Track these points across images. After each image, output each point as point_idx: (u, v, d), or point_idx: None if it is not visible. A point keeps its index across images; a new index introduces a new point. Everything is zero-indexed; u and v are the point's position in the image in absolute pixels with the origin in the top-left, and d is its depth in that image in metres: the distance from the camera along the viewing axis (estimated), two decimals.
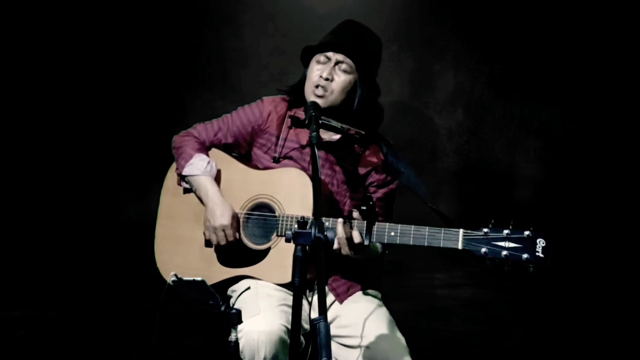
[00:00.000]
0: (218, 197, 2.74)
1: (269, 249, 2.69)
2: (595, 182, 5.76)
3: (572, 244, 5.34)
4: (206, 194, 2.75)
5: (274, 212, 2.71)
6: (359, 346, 2.61)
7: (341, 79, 2.72)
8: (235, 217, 2.72)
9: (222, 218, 2.70)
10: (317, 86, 2.71)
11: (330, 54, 2.73)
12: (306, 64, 2.81)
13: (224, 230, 2.70)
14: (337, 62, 2.73)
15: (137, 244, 3.13)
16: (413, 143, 5.99)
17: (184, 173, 2.79)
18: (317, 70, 2.73)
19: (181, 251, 2.81)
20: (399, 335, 2.64)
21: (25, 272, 5.26)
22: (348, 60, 2.73)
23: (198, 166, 2.77)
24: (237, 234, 2.72)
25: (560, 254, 4.90)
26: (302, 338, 2.60)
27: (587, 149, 5.83)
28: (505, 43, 5.87)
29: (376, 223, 2.54)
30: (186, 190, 2.85)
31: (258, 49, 5.89)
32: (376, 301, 2.75)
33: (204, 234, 2.77)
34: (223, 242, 2.71)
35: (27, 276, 5.19)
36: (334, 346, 2.61)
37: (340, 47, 2.72)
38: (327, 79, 2.70)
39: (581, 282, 5.22)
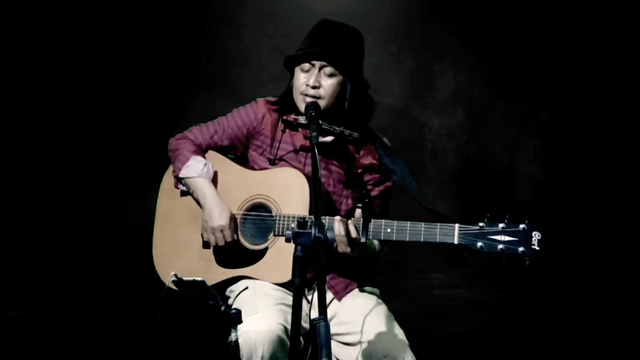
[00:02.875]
0: (216, 198, 2.74)
1: (266, 249, 2.70)
2: (595, 182, 5.76)
3: (573, 244, 5.34)
4: (204, 195, 2.75)
5: (270, 212, 2.71)
6: (359, 342, 2.61)
7: (328, 83, 2.72)
8: (233, 218, 2.72)
9: (220, 219, 2.70)
10: (306, 95, 2.72)
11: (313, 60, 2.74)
12: (290, 70, 2.81)
13: (222, 231, 2.70)
14: (322, 67, 2.72)
15: (137, 244, 3.13)
16: (413, 143, 5.99)
17: (180, 175, 2.79)
18: (303, 79, 2.73)
19: (179, 254, 2.81)
20: (399, 330, 2.65)
21: (25, 272, 5.26)
22: None
23: (195, 168, 2.78)
24: (234, 235, 2.73)
25: (561, 254, 4.91)
26: (300, 338, 2.60)
27: (587, 149, 5.83)
28: (505, 43, 5.87)
29: (372, 220, 2.55)
30: (183, 193, 2.85)
31: (258, 49, 5.89)
32: (375, 297, 2.75)
33: (202, 235, 2.77)
34: (221, 243, 2.72)
35: (27, 276, 5.19)
36: (333, 344, 2.61)
37: (320, 55, 2.71)
38: (314, 87, 2.70)
39: (582, 282, 5.22)
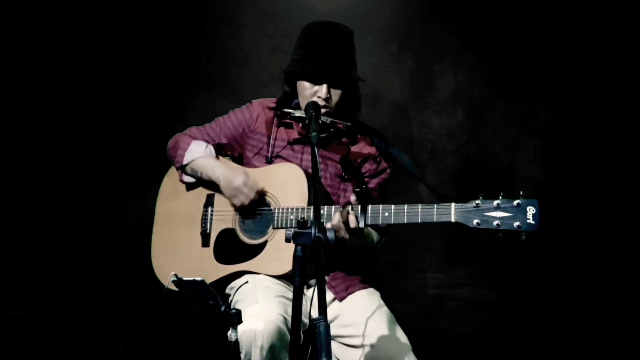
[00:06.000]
0: (225, 165, 2.78)
1: (265, 243, 2.72)
2: (595, 182, 5.76)
3: (573, 244, 5.34)
4: (212, 170, 2.78)
5: (269, 206, 2.73)
6: (362, 345, 2.62)
7: (337, 92, 2.76)
8: (247, 174, 2.74)
9: (235, 179, 2.73)
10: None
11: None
12: (288, 76, 2.82)
13: (245, 186, 2.72)
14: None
15: (137, 244, 3.13)
16: (413, 143, 5.99)
17: (185, 161, 2.81)
18: (311, 89, 2.75)
19: (178, 254, 2.83)
20: (401, 333, 2.66)
21: (25, 272, 5.26)
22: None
23: (197, 150, 2.81)
24: (258, 188, 2.74)
25: (561, 254, 4.90)
26: (300, 333, 2.61)
27: (587, 149, 5.82)
28: (505, 43, 5.86)
29: (370, 205, 2.57)
30: (189, 187, 2.86)
31: (258, 49, 5.88)
32: (377, 300, 2.76)
33: (201, 224, 2.77)
34: (251, 198, 2.72)
35: (27, 276, 5.19)
36: (336, 346, 2.63)
37: (334, 72, 2.73)
38: (326, 99, 2.74)
39: (582, 282, 5.22)
